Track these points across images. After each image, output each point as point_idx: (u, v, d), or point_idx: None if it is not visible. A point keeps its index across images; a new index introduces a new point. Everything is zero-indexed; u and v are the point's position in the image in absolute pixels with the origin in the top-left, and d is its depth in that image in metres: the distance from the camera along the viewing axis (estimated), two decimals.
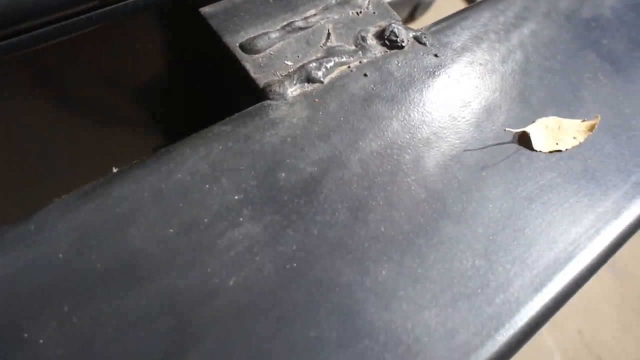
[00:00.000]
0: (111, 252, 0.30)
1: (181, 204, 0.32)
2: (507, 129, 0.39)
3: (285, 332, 0.29)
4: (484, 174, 0.37)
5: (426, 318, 0.31)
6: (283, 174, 0.34)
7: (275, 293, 0.30)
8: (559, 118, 0.41)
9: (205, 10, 0.41)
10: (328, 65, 0.40)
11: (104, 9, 0.36)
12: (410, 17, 1.28)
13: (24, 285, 0.28)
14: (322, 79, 0.39)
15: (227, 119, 0.36)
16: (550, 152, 0.39)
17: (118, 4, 0.37)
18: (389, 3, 1.17)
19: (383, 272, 0.32)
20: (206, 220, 0.32)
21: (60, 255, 0.30)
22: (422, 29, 0.45)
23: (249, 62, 0.39)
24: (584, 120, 0.41)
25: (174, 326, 0.28)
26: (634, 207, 0.38)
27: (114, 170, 0.34)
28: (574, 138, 0.40)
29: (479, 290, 0.32)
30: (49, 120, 0.45)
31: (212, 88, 0.49)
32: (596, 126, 0.41)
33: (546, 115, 0.42)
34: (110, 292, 0.29)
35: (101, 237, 0.30)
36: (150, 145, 0.62)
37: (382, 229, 0.33)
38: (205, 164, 0.34)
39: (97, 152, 0.51)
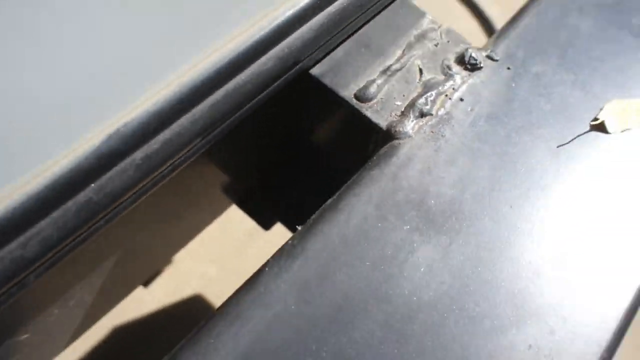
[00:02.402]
0: (329, 296, 0.38)
1: (366, 244, 0.40)
2: (591, 122, 0.47)
3: (475, 330, 0.38)
4: (574, 163, 0.46)
5: None
6: (432, 201, 0.42)
7: (460, 297, 0.39)
8: (621, 100, 0.49)
9: (316, 71, 0.48)
10: (431, 99, 0.47)
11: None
12: None
13: (278, 338, 0.36)
14: (431, 112, 0.47)
15: (369, 163, 0.44)
16: (622, 131, 0.48)
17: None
18: None
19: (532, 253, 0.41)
20: (390, 252, 0.40)
21: (293, 307, 0.37)
22: (487, 45, 0.52)
23: (368, 110, 0.46)
24: None
25: (397, 342, 0.37)
26: None
27: (298, 228, 0.41)
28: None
29: None
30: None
31: (332, 143, 0.56)
32: None
33: (609, 101, 0.50)
34: (341, 327, 0.37)
35: (317, 286, 0.38)
36: None
37: (519, 225, 0.42)
38: (371, 206, 0.42)
39: None
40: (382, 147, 0.45)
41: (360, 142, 0.50)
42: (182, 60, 0.38)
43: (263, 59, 0.39)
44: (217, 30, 0.39)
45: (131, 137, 0.36)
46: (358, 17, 0.48)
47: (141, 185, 0.38)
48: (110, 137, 0.35)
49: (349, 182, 0.43)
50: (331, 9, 0.45)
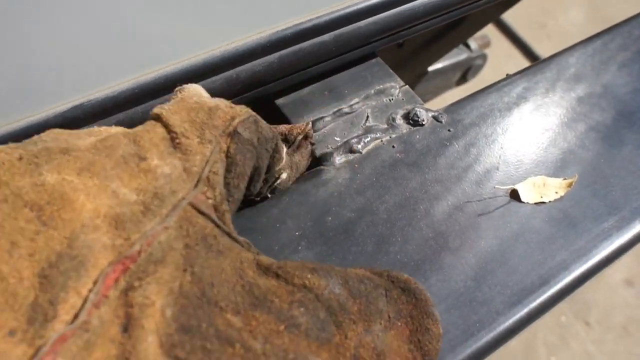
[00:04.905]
0: None
1: (260, 237, 0.48)
2: (496, 186, 0.52)
3: None
4: (479, 219, 0.50)
5: None
6: (330, 218, 0.49)
7: None
8: (545, 177, 0.53)
9: (280, 101, 0.59)
10: (365, 140, 0.55)
11: None
12: (462, 79, 1.42)
13: None
14: (361, 151, 0.54)
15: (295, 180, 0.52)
16: (536, 203, 0.51)
17: None
18: (441, 67, 1.31)
19: None
20: (277, 248, 0.47)
21: None
22: (440, 109, 0.59)
23: None
24: (564, 179, 0.53)
25: None
26: (603, 246, 0.49)
27: None
28: (556, 193, 0.52)
29: (468, 303, 0.45)
30: None
31: None
32: (574, 183, 0.52)
33: (536, 174, 0.54)
34: None
35: None
36: None
37: (398, 257, 0.47)
38: (276, 210, 0.50)
39: None
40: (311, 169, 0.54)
41: None
42: None
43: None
44: None
45: None
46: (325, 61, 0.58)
47: None
48: None
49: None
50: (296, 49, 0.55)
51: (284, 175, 0.49)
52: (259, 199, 0.49)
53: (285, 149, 0.48)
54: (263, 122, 0.44)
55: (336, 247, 0.48)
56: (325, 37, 0.55)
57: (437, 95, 1.40)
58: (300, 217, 0.49)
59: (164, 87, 0.48)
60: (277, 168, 0.47)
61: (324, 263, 0.46)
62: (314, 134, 0.56)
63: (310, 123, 0.51)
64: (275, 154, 0.46)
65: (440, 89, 1.37)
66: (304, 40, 0.54)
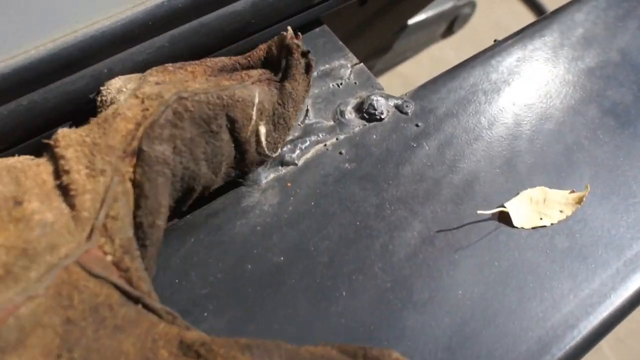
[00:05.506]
0: None
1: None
2: (479, 211, 0.38)
3: None
4: (456, 256, 0.36)
5: None
6: (249, 266, 0.36)
7: None
8: (546, 189, 0.39)
9: None
10: (303, 146, 0.41)
11: None
12: (449, 31, 1.25)
13: None
14: (296, 162, 0.40)
15: (201, 209, 0.38)
16: (534, 228, 0.38)
17: None
18: (424, 19, 1.14)
19: None
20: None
21: None
22: (406, 94, 0.44)
23: None
24: (572, 192, 0.39)
25: None
26: (624, 287, 0.36)
27: None
28: (561, 212, 0.38)
29: None
30: None
31: None
32: (585, 198, 0.38)
33: (533, 184, 0.40)
34: None
35: None
36: None
37: (343, 321, 0.34)
38: (177, 258, 0.36)
39: None
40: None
41: None
42: None
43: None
44: None
45: None
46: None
47: None
48: None
49: (170, 226, 0.38)
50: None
51: (262, 130, 0.36)
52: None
53: (256, 102, 0.34)
54: (191, 102, 0.31)
55: (256, 310, 0.34)
56: (239, 4, 0.39)
57: (420, 51, 1.23)
58: (208, 268, 0.36)
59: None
60: (246, 135, 0.35)
61: (246, 335, 0.33)
62: None
63: (290, 30, 0.37)
64: (233, 124, 0.34)
65: (423, 43, 1.20)
66: (207, 12, 0.38)
